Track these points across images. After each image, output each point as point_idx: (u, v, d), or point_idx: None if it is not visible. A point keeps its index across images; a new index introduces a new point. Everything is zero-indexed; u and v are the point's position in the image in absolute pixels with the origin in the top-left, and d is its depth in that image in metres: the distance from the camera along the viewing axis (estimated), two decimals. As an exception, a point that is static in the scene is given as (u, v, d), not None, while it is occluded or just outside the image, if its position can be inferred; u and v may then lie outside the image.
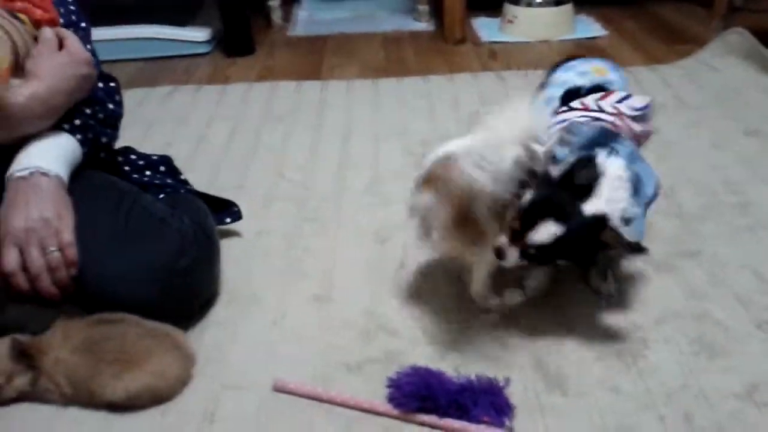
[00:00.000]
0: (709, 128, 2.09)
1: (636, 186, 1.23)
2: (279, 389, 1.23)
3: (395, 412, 1.17)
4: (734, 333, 1.32)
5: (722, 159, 1.93)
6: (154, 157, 1.63)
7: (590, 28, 3.04)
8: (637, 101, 1.40)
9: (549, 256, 1.22)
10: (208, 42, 2.95)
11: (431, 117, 2.24)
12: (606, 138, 1.27)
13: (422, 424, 1.16)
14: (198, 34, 2.94)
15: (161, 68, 2.81)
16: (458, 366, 1.25)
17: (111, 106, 1.50)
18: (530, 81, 2.46)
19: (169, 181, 1.59)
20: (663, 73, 2.51)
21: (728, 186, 1.80)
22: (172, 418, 1.19)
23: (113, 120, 1.51)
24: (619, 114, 1.37)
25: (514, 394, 1.19)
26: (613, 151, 1.22)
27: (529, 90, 2.27)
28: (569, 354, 1.29)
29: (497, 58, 2.79)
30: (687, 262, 1.52)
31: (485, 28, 3.07)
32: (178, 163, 1.70)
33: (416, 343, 1.33)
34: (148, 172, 1.58)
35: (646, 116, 1.42)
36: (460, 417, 1.15)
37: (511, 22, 2.96)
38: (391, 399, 1.18)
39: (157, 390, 1.20)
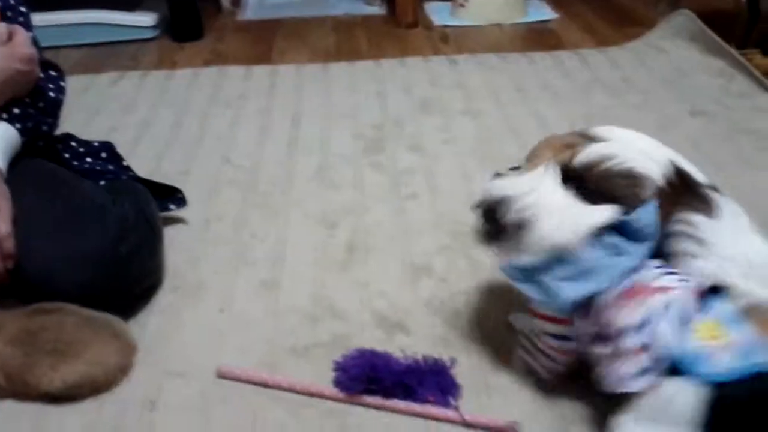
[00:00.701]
0: (657, 109, 2.12)
1: None
2: (223, 375, 1.21)
3: (342, 395, 1.16)
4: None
5: (669, 139, 1.94)
6: (95, 144, 1.59)
7: (541, 11, 3.05)
8: None
9: None
10: (154, 27, 2.88)
11: (382, 101, 2.22)
12: None
13: (368, 405, 1.15)
14: (144, 18, 2.87)
15: (107, 54, 2.74)
16: (405, 348, 1.24)
17: (52, 94, 1.46)
18: (482, 65, 2.47)
19: (110, 167, 1.55)
20: (612, 55, 2.53)
21: (674, 165, 1.82)
22: (111, 407, 1.16)
23: (54, 108, 1.47)
24: None
25: (461, 374, 1.19)
26: None
27: (480, 74, 2.28)
28: (516, 334, 1.29)
29: (449, 41, 2.78)
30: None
31: (437, 11, 3.06)
32: (123, 149, 1.65)
33: (364, 327, 1.32)
34: (88, 159, 1.54)
35: None
36: (406, 398, 1.14)
37: (462, 5, 2.96)
38: (338, 382, 1.17)
39: (95, 379, 1.17)
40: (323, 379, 1.19)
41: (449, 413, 1.12)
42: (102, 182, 1.49)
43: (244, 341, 1.29)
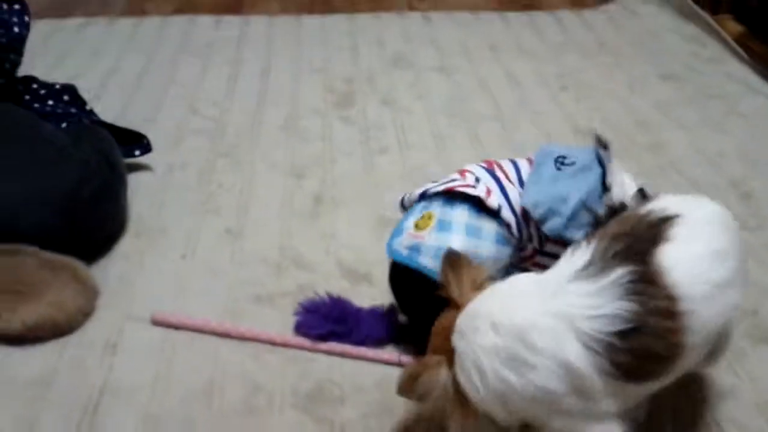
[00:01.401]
0: (627, 72, 2.12)
1: None
2: (158, 322, 1.20)
3: (306, 343, 1.16)
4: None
5: (638, 102, 1.97)
6: (57, 86, 1.55)
7: (518, -28, 3.02)
8: None
9: None
10: (124, -26, 2.80)
11: (354, 55, 2.20)
12: None
13: (330, 353, 1.15)
14: (114, -35, 2.79)
15: None
16: (370, 298, 1.25)
17: (16, 29, 1.41)
18: (456, 23, 2.45)
19: (72, 110, 1.52)
20: (587, 17, 2.52)
21: (642, 128, 1.83)
22: (73, 349, 1.15)
23: (17, 43, 1.43)
24: None
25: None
26: None
27: (454, 32, 2.24)
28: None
29: (425, -1, 2.75)
30: (598, 199, 1.55)
31: (413, -32, 3.01)
32: (88, 95, 1.62)
33: (329, 277, 1.32)
34: (50, 101, 1.51)
35: None
36: (366, 340, 1.16)
37: (439, -37, 2.91)
38: (302, 325, 1.17)
39: (56, 321, 1.16)
40: (287, 328, 1.19)
41: (385, 355, 1.14)
42: (64, 125, 1.46)
43: (207, 288, 1.28)
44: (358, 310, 1.20)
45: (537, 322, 0.81)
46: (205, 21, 2.43)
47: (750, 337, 1.20)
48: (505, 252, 1.12)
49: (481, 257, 1.06)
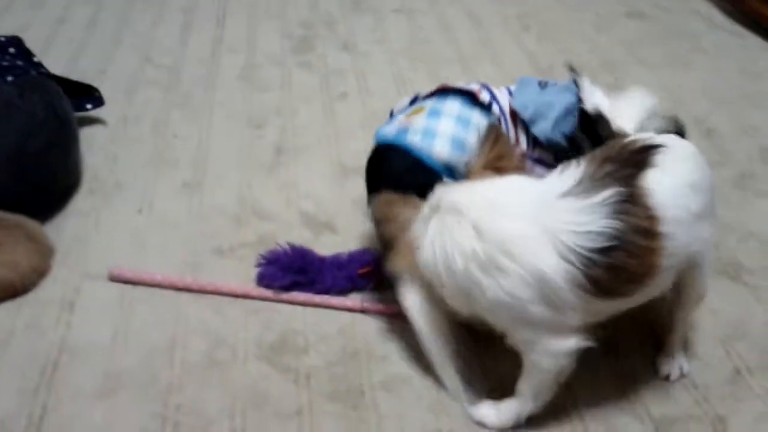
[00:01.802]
0: (593, 10, 2.09)
1: None
2: (115, 278, 1.17)
3: (269, 293, 1.15)
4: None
5: (604, 41, 1.94)
6: (2, 39, 1.48)
7: None
8: None
9: None
10: None
11: (312, 0, 2.14)
12: None
13: (293, 302, 1.14)
14: None
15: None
16: (333, 246, 1.23)
17: None
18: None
19: (18, 63, 1.45)
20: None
21: (606, 66, 1.81)
22: (28, 309, 1.12)
23: None
24: None
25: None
26: None
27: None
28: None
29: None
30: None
31: None
32: (35, 47, 1.55)
33: (291, 227, 1.30)
34: (-7, 55, 1.44)
35: None
36: (330, 289, 1.15)
37: None
38: (264, 276, 1.16)
39: (9, 282, 1.12)
40: (248, 279, 1.17)
41: (348, 302, 1.13)
42: (10, 78, 1.39)
43: (165, 242, 1.26)
44: (321, 260, 1.18)
45: (521, 233, 0.84)
46: (157, -34, 2.33)
47: (711, 271, 1.21)
48: None
49: (468, 146, 1.06)
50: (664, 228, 0.84)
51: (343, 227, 1.30)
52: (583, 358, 0.90)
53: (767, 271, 1.21)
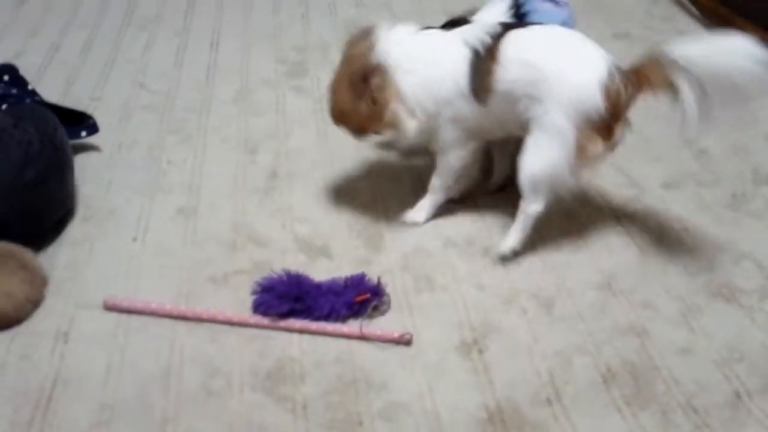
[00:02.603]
0: (580, 31, 2.10)
1: None
2: (110, 308, 1.17)
3: (265, 321, 1.14)
4: (596, 228, 1.36)
5: (593, 61, 1.95)
6: (-5, 67, 1.49)
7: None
8: None
9: None
10: (63, -55, 2.69)
11: (306, 22, 2.15)
12: None
13: (289, 329, 1.14)
14: (52, -64, 2.68)
15: (11, -26, 2.55)
16: (328, 271, 1.23)
17: None
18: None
19: (13, 91, 1.46)
20: (540, -23, 2.49)
21: (597, 87, 1.82)
22: (22, 340, 1.12)
23: None
24: None
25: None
26: None
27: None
28: (436, 254, 1.30)
29: (376, -38, 2.69)
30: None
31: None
32: (30, 74, 1.56)
33: (286, 252, 1.30)
34: (-12, 83, 1.45)
35: None
36: (329, 314, 1.14)
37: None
38: (260, 304, 1.15)
39: (2, 312, 1.12)
40: (244, 307, 1.17)
41: (345, 329, 1.13)
42: (4, 107, 1.40)
43: (161, 270, 1.25)
44: (318, 286, 1.18)
45: (443, 37, 1.28)
46: (151, -9, 2.35)
47: (705, 293, 1.22)
48: None
49: None
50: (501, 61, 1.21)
51: (338, 252, 1.30)
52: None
53: (763, 292, 1.22)
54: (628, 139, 1.60)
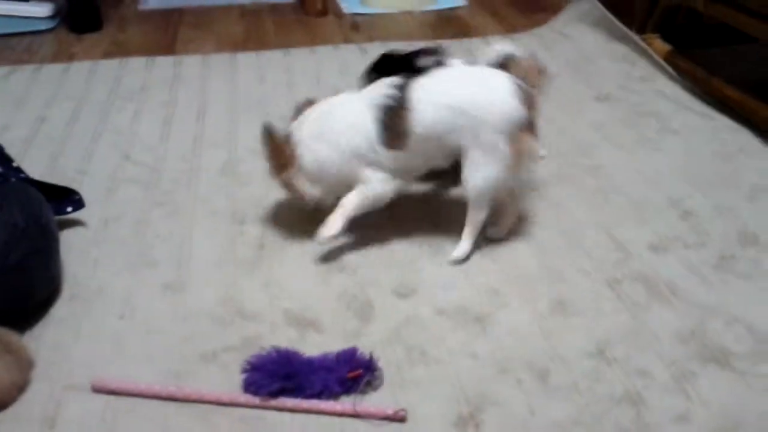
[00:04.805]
0: (562, 95, 2.14)
1: None
2: (98, 390, 1.14)
3: (256, 400, 1.12)
4: (587, 292, 1.36)
5: (574, 124, 1.99)
6: (-19, 144, 1.49)
7: (450, -2, 3.05)
8: None
9: None
10: (51, 18, 2.73)
11: (291, 91, 2.17)
12: None
13: (281, 408, 1.12)
14: (40, 9, 2.72)
15: (-3, 47, 2.58)
16: (319, 346, 1.22)
17: None
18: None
19: (-2, 169, 1.45)
20: (520, 41, 2.55)
21: (580, 150, 1.85)
22: (7, 427, 1.09)
23: None
24: None
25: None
26: None
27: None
28: (428, 323, 1.29)
29: (360, 29, 2.75)
30: (541, 225, 1.55)
31: (346, -1, 3.02)
32: (15, 148, 1.56)
33: (275, 327, 1.28)
34: (-27, 161, 1.44)
35: None
36: (321, 392, 1.12)
37: (372, -8, 2.93)
38: (251, 383, 1.13)
39: (-13, 399, 1.09)
40: (234, 385, 1.15)
41: (338, 406, 1.11)
42: (-12, 186, 1.39)
43: (149, 349, 1.23)
44: (309, 362, 1.16)
45: (347, 102, 1.44)
46: (137, 63, 2.37)
47: (698, 358, 1.21)
48: None
49: None
50: (413, 107, 1.36)
51: (328, 325, 1.29)
52: None
53: (756, 356, 1.22)
54: (615, 202, 1.63)
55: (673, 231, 1.54)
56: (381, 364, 1.18)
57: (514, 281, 1.39)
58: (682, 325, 1.28)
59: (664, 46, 2.32)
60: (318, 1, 2.88)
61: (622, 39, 2.43)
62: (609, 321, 1.29)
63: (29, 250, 1.25)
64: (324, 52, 2.48)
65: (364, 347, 1.19)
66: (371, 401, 1.13)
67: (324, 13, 2.89)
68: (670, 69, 2.22)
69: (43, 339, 1.25)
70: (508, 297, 1.35)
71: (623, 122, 1.99)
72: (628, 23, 2.46)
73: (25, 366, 1.16)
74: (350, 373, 1.13)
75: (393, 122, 1.36)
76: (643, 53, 2.33)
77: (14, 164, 1.51)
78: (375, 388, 1.15)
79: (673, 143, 1.89)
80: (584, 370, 1.19)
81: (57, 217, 1.44)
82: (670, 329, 1.27)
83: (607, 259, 1.45)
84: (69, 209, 1.52)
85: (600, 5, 2.58)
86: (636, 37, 2.39)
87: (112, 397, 1.14)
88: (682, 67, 2.20)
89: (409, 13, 2.90)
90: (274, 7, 3.01)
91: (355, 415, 1.10)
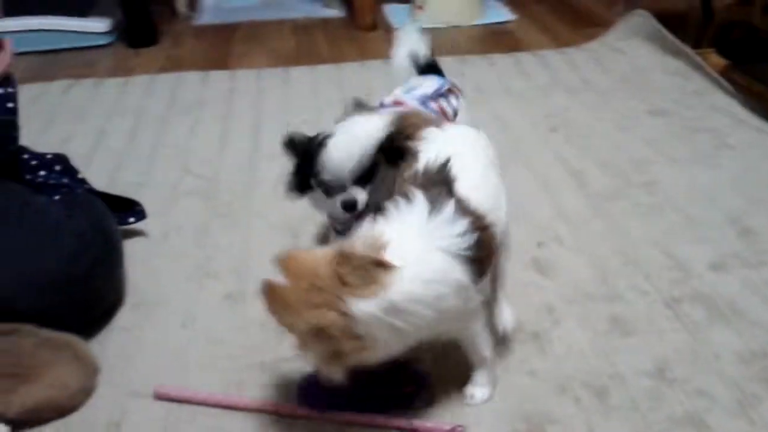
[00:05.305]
0: (615, 110, 2.13)
1: None
2: (160, 396, 1.17)
3: (313, 412, 1.14)
4: (644, 311, 1.34)
5: (628, 139, 1.97)
6: (49, 156, 1.53)
7: (499, 12, 3.06)
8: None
9: None
10: (109, 33, 2.82)
11: (343, 106, 2.19)
12: None
13: (339, 421, 1.13)
14: (98, 24, 2.81)
15: (59, 61, 2.66)
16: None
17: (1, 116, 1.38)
18: (443, 67, 2.46)
19: (65, 180, 1.50)
20: (571, 56, 2.55)
21: (635, 166, 1.83)
22: (75, 429, 1.12)
23: (4, 129, 1.40)
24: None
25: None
26: None
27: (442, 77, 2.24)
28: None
29: (409, 44, 2.76)
30: (596, 242, 1.54)
31: (396, 14, 3.04)
32: (77, 160, 1.60)
33: (333, 338, 1.29)
34: (42, 172, 1.49)
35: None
36: (377, 405, 1.13)
37: (420, 8, 2.95)
38: (308, 395, 1.14)
39: (57, 402, 1.13)
40: (292, 395, 1.17)
41: (395, 421, 1.12)
42: (56, 197, 1.44)
43: (210, 358, 1.26)
44: (370, 373, 1.17)
45: (428, 259, 1.00)
46: (193, 77, 2.43)
47: (761, 380, 1.19)
48: None
49: None
50: (489, 219, 1.07)
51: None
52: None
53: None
54: (672, 220, 1.61)
55: (732, 249, 1.51)
56: (436, 380, 1.18)
57: (570, 299, 1.38)
58: (743, 347, 1.26)
59: (720, 61, 2.29)
60: (368, 15, 2.92)
61: (676, 53, 2.41)
62: (668, 341, 1.28)
63: (94, 260, 1.29)
64: (374, 65, 2.51)
65: (419, 362, 1.20)
66: (427, 417, 1.13)
67: (373, 27, 2.93)
68: (725, 83, 2.19)
69: (108, 345, 1.28)
70: (564, 315, 1.34)
71: (678, 137, 1.97)
72: (682, 37, 2.44)
73: (91, 372, 1.20)
74: (406, 388, 1.14)
75: (481, 252, 1.05)
76: (698, 68, 2.30)
77: (79, 176, 1.56)
78: (431, 404, 1.15)
79: (730, 159, 1.86)
80: (643, 389, 1.18)
81: (120, 227, 1.48)
82: (732, 350, 1.25)
83: (665, 277, 1.43)
84: (131, 220, 1.56)
85: (653, 19, 2.56)
86: (690, 51, 2.36)
87: (174, 405, 1.16)
88: (738, 81, 2.17)
89: (458, 27, 2.91)
90: (325, 22, 3.05)
91: (413, 430, 1.11)
